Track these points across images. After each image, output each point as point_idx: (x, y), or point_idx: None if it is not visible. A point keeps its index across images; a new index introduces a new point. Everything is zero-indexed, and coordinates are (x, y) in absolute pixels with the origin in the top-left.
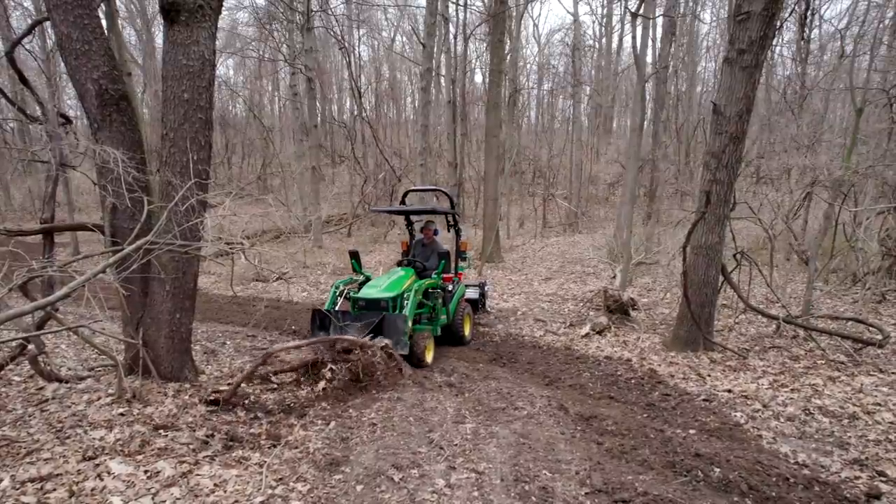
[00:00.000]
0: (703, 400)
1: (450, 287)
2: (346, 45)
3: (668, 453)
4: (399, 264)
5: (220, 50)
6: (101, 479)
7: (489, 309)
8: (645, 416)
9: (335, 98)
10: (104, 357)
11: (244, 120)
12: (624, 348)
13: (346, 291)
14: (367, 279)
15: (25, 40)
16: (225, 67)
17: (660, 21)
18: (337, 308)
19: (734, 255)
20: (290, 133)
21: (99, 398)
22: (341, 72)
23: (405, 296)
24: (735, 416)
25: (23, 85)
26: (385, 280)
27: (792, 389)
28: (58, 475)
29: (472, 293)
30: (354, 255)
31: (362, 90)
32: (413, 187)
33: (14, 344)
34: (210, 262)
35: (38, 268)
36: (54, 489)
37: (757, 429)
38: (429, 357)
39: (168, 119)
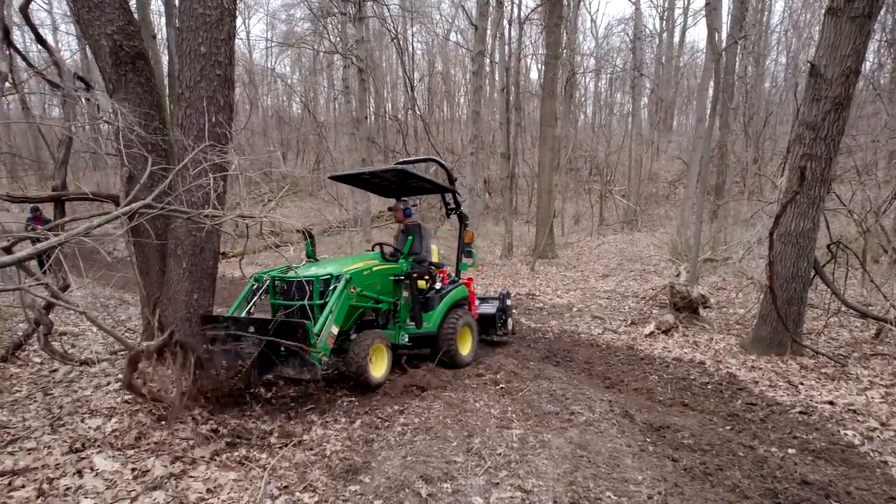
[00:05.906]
0: (800, 412)
1: (438, 286)
2: (399, 36)
3: (766, 478)
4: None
5: (277, 42)
6: (81, 476)
7: (510, 329)
8: (728, 428)
9: (389, 95)
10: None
11: (299, 117)
12: (695, 349)
13: (268, 285)
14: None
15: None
16: (281, 66)
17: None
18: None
19: (828, 247)
20: (343, 129)
21: (108, 383)
22: (395, 67)
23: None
24: (845, 434)
25: (39, 44)
26: (331, 262)
27: None
28: (33, 469)
29: (487, 308)
30: (309, 235)
31: (415, 83)
32: (403, 159)
33: (26, 326)
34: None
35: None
36: (23, 486)
37: (878, 452)
38: (377, 372)
39: (184, 76)
